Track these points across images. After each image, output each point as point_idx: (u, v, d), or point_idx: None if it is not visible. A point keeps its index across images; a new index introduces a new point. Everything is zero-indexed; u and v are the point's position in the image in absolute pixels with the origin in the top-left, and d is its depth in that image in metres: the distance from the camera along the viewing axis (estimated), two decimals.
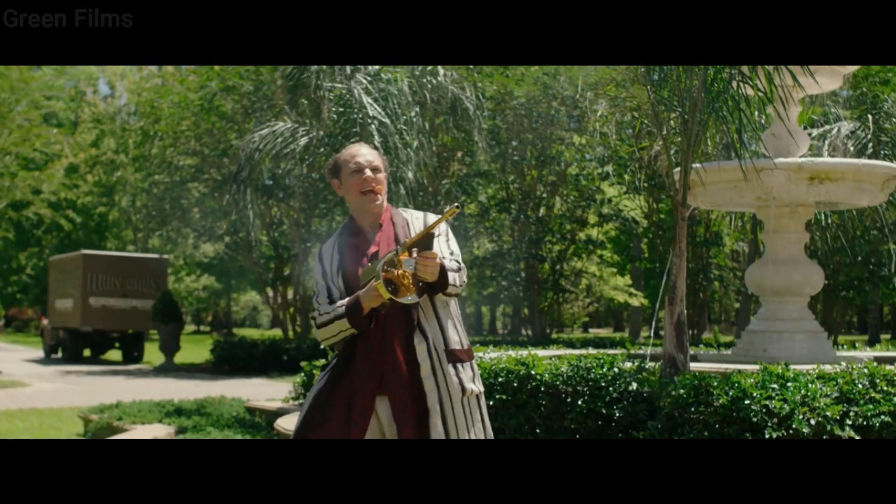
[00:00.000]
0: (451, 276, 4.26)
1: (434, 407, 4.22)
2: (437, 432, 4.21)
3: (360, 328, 4.28)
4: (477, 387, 4.40)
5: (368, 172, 4.47)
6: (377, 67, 11.85)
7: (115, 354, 32.64)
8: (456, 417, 4.27)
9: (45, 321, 35.31)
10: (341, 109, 11.64)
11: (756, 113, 8.86)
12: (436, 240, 4.38)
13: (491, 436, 4.44)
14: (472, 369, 4.42)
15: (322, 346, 4.66)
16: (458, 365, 4.34)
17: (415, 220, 4.55)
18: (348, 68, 11.40)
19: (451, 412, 4.26)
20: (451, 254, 4.43)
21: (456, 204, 4.11)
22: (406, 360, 4.25)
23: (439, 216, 4.25)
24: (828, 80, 10.58)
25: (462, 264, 4.43)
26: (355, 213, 4.58)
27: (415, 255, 4.15)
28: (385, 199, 4.55)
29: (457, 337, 4.39)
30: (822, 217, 13.44)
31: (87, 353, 31.82)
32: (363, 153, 4.53)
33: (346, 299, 4.31)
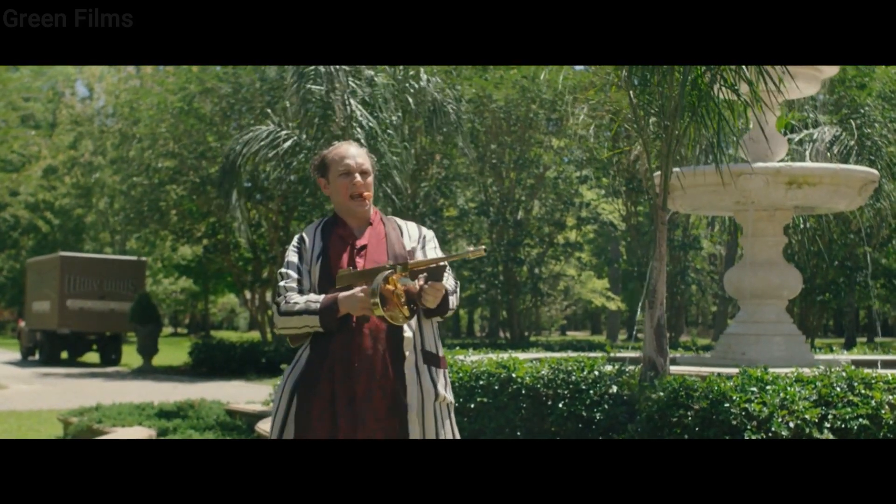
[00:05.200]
0: (451, 301, 4.24)
1: (412, 403, 4.17)
2: (414, 430, 4.16)
3: (329, 329, 4.20)
4: (449, 395, 4.35)
5: (358, 177, 4.39)
6: (370, 73, 11.87)
7: (92, 357, 32.51)
8: (426, 419, 4.22)
9: (22, 323, 35.16)
10: (328, 112, 11.65)
11: (736, 117, 8.92)
12: (433, 251, 4.39)
13: None
14: (445, 377, 4.36)
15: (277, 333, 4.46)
16: (433, 368, 4.29)
17: (409, 228, 4.49)
18: (340, 72, 11.40)
19: (420, 413, 4.21)
20: (448, 272, 4.35)
21: (483, 246, 4.05)
22: (382, 352, 4.18)
23: (455, 253, 4.18)
24: (806, 84, 10.65)
25: (457, 282, 4.39)
26: (341, 214, 4.48)
27: (420, 280, 4.09)
28: (371, 202, 4.47)
29: (433, 341, 4.33)
30: (800, 221, 13.53)
31: (64, 355, 31.68)
32: (352, 154, 4.44)
33: (322, 297, 4.22)
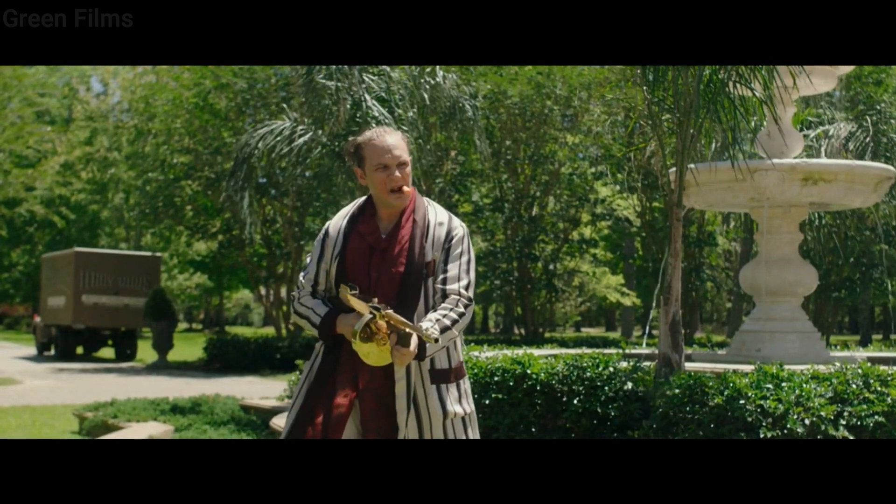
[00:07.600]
0: (429, 350, 4.08)
1: (402, 427, 4.13)
2: None
3: (328, 343, 4.25)
4: (463, 408, 4.27)
5: (397, 172, 4.25)
6: (385, 67, 11.84)
7: (107, 352, 32.58)
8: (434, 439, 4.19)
9: (37, 318, 35.24)
10: (336, 108, 11.63)
11: (750, 114, 8.90)
12: (455, 263, 4.25)
13: None
14: (459, 389, 4.29)
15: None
16: (442, 386, 4.22)
17: (437, 231, 4.27)
18: (355, 68, 11.37)
19: (429, 434, 4.17)
20: (466, 287, 4.23)
21: (434, 335, 4.01)
22: (384, 373, 4.14)
23: (417, 325, 4.05)
24: (822, 81, 10.62)
25: (469, 298, 4.23)
26: (376, 202, 4.35)
27: (393, 339, 3.99)
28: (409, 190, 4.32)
29: (444, 356, 4.25)
30: (816, 218, 13.49)
31: (79, 350, 31.72)
32: (389, 146, 4.28)
33: (326, 310, 4.24)
